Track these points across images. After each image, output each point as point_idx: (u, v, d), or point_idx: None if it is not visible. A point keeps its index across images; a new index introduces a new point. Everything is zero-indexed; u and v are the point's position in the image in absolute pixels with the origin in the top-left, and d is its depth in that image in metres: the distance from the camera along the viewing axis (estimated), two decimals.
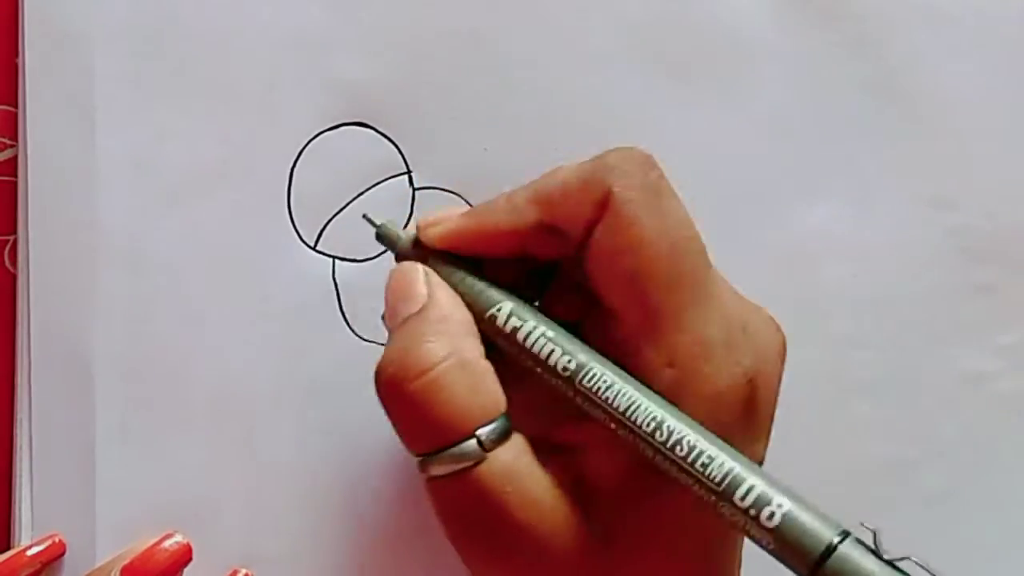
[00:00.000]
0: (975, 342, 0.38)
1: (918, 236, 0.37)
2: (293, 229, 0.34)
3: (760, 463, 0.28)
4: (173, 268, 0.33)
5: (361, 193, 0.34)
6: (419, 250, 0.29)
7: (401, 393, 0.27)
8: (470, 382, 0.27)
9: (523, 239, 0.28)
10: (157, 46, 0.33)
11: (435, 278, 0.29)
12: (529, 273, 0.30)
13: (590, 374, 0.27)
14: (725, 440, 0.26)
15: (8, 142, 0.33)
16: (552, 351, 0.27)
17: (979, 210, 0.38)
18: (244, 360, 0.33)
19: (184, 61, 0.33)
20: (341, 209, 0.34)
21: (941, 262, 0.38)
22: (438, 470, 0.27)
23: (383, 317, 0.29)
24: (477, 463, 0.26)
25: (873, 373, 0.37)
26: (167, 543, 0.32)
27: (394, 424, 0.28)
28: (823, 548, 0.25)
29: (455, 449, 0.26)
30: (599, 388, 0.27)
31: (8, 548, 0.32)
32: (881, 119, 0.37)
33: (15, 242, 0.33)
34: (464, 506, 0.27)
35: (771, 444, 0.28)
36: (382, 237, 0.30)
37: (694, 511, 0.27)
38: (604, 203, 0.27)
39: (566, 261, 0.29)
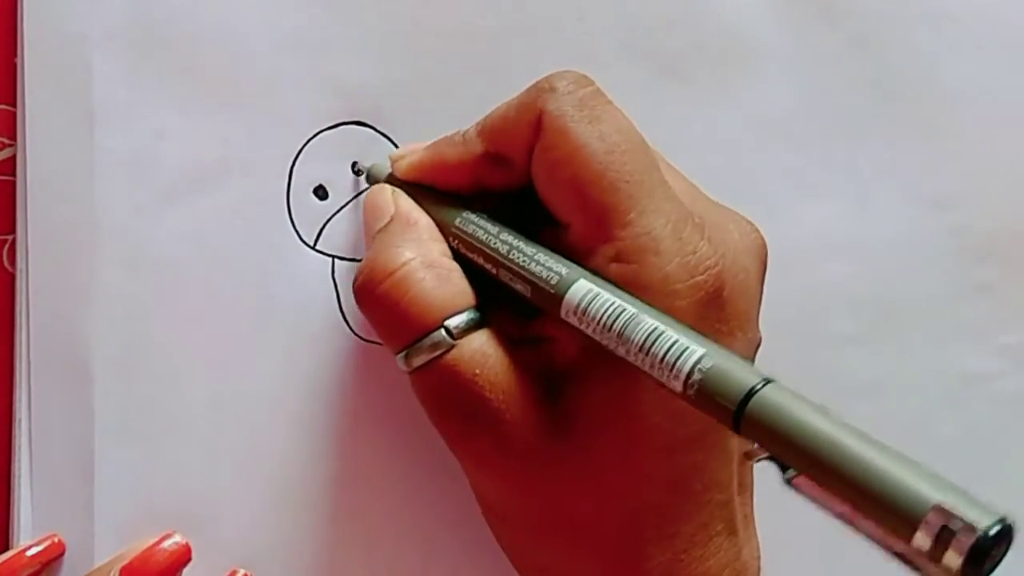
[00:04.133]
0: (975, 342, 0.38)
1: (918, 236, 0.37)
2: (292, 228, 0.34)
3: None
4: (172, 268, 0.33)
5: (360, 192, 0.34)
6: (393, 182, 0.32)
7: (373, 295, 0.29)
8: (435, 278, 0.29)
9: (475, 170, 0.30)
10: (156, 45, 0.33)
11: (402, 195, 0.31)
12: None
13: (533, 262, 0.28)
14: None
15: (7, 141, 0.33)
16: (504, 249, 0.29)
17: (979, 210, 0.38)
18: (244, 360, 0.33)
19: (183, 60, 0.33)
20: (341, 208, 0.34)
21: (941, 262, 0.38)
22: (415, 361, 0.29)
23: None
24: (448, 350, 0.28)
25: (873, 373, 0.37)
26: (166, 543, 0.32)
27: (374, 327, 0.30)
28: (744, 393, 0.23)
29: (426, 339, 0.28)
30: (538, 271, 0.28)
31: (7, 548, 0.32)
32: (881, 119, 0.37)
33: (14, 241, 0.33)
34: (439, 391, 0.29)
35: None
36: (369, 177, 0.33)
37: (653, 405, 0.27)
38: (538, 123, 0.29)
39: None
